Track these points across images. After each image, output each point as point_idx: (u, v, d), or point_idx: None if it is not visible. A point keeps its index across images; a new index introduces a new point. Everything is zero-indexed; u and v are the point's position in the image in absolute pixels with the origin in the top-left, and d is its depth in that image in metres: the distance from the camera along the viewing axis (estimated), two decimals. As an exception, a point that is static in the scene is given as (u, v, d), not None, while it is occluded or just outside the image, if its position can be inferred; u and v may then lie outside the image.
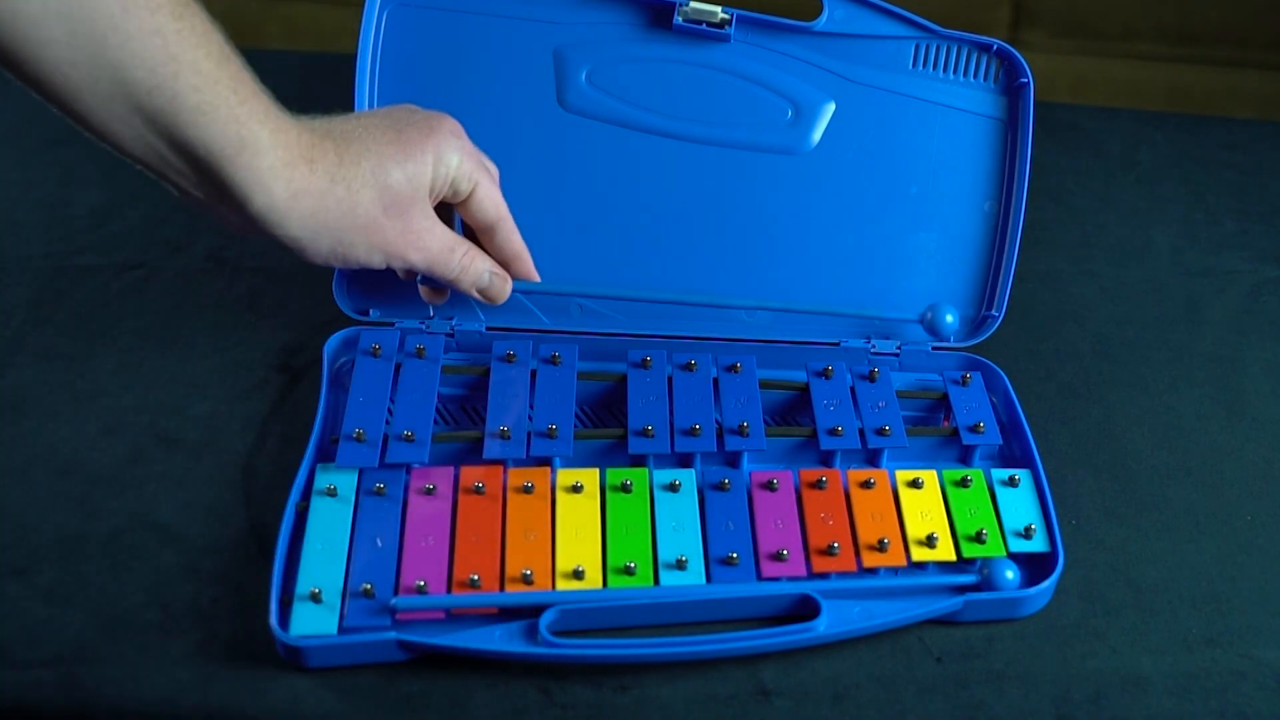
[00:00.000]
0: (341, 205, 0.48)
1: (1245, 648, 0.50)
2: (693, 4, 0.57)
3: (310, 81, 0.89)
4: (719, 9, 0.57)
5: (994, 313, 0.61)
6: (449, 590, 0.49)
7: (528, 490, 0.52)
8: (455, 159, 0.52)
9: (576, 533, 0.51)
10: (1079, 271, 0.73)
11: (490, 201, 0.55)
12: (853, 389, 0.58)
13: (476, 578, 0.49)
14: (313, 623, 0.47)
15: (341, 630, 0.47)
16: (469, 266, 0.54)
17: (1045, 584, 0.50)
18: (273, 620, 0.46)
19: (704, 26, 0.58)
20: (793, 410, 0.60)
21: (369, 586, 0.48)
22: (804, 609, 0.50)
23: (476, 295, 0.56)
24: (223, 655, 0.48)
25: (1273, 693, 0.49)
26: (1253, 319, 0.69)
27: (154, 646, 0.48)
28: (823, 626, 0.48)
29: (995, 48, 0.59)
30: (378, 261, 0.51)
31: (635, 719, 0.47)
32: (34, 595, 0.50)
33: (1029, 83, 0.59)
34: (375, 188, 0.49)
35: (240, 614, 0.49)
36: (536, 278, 0.58)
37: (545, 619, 0.47)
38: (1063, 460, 0.57)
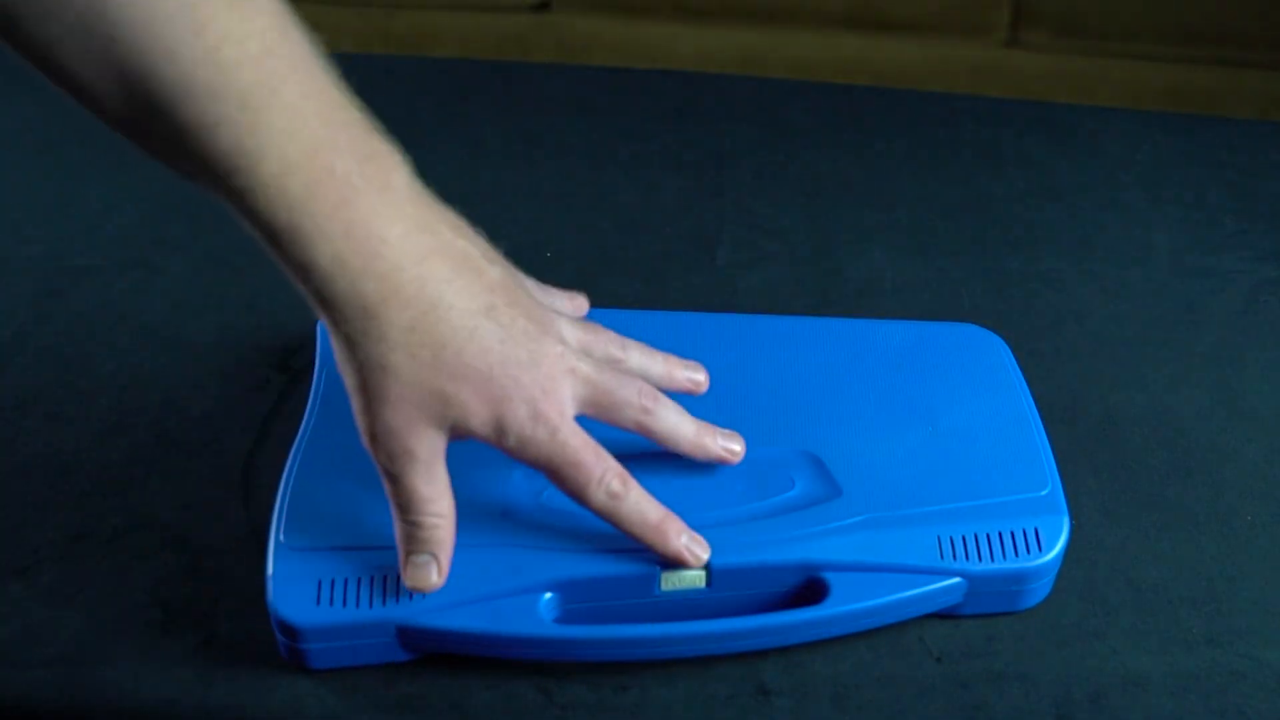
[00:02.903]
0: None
1: (1245, 648, 0.50)
2: (666, 576, 0.48)
3: (310, 81, 0.89)
4: (702, 575, 0.47)
5: None
6: None
7: None
8: (515, 448, 0.43)
9: None
10: (1079, 271, 0.73)
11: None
12: None
13: None
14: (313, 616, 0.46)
15: (344, 621, 0.46)
16: (420, 523, 0.44)
17: (1055, 551, 0.50)
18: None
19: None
20: None
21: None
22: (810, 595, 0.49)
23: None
24: (223, 655, 0.48)
25: (1273, 693, 0.49)
26: (1253, 319, 0.69)
27: (154, 646, 0.48)
28: (834, 604, 0.48)
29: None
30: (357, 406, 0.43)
31: (635, 719, 0.47)
32: (34, 595, 0.50)
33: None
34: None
35: (240, 614, 0.49)
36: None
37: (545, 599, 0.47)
38: (1063, 460, 0.57)
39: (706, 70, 0.95)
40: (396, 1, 1.75)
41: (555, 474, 0.44)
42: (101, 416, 0.58)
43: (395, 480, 0.43)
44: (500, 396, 0.42)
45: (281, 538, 0.48)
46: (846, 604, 0.48)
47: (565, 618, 0.47)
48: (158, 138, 0.36)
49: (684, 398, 0.53)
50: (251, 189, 0.37)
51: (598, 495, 0.45)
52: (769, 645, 0.49)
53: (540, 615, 0.46)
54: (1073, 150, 0.85)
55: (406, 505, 0.44)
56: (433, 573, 0.45)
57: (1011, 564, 0.49)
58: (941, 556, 0.49)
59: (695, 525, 0.48)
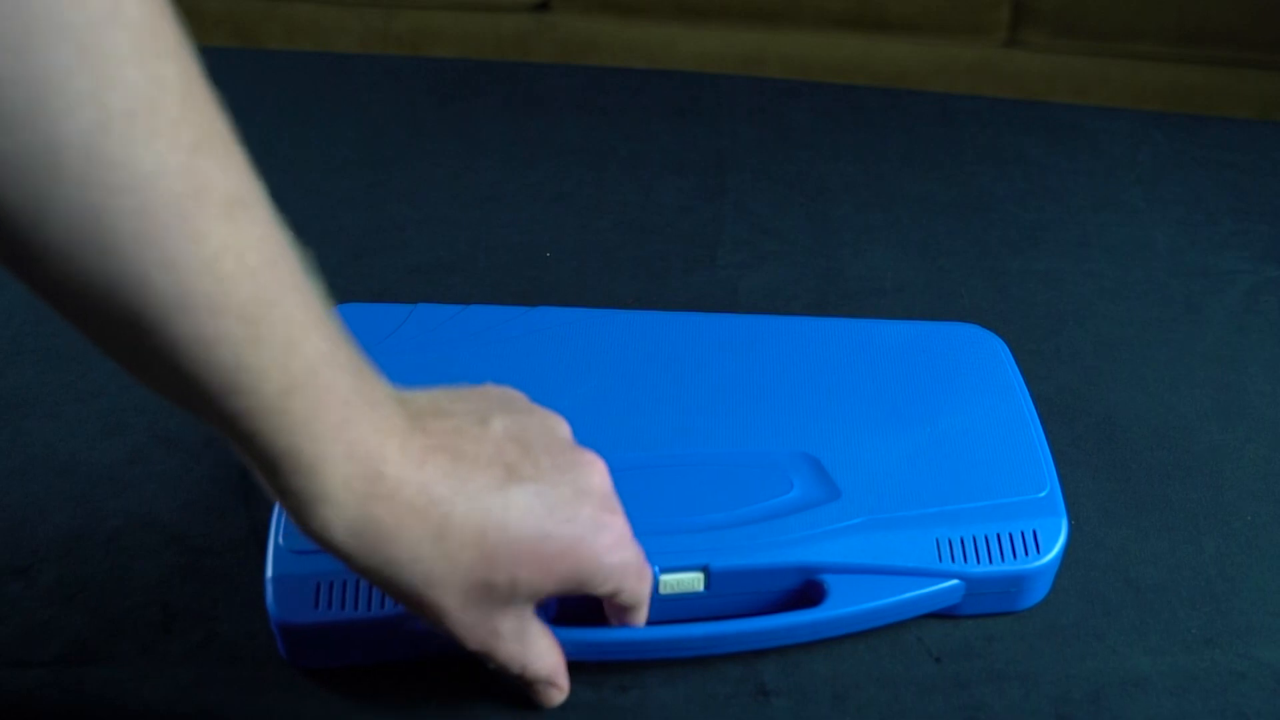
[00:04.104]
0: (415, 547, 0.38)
1: (1245, 648, 0.50)
2: (664, 580, 0.48)
3: (310, 81, 0.89)
4: (701, 578, 0.48)
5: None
6: None
7: None
8: (604, 583, 0.41)
9: None
10: (1079, 271, 0.73)
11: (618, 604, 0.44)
12: None
13: None
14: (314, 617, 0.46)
15: (343, 623, 0.47)
16: (529, 675, 0.44)
17: (1053, 553, 0.50)
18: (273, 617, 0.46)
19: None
20: None
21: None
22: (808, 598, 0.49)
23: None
24: (223, 655, 0.48)
25: (1272, 693, 0.49)
26: (1253, 319, 0.69)
27: (154, 646, 0.48)
28: (832, 607, 0.48)
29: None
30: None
31: (635, 719, 0.47)
32: (34, 595, 0.50)
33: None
34: (474, 572, 0.38)
35: (240, 614, 0.49)
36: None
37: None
38: (1063, 460, 0.57)
39: (706, 70, 0.95)
40: (396, 1, 1.75)
41: (633, 590, 0.43)
42: (101, 416, 0.59)
43: (489, 659, 0.42)
44: (564, 549, 0.39)
45: (280, 540, 0.48)
46: (844, 606, 0.48)
47: (563, 619, 0.47)
48: (146, 356, 0.32)
49: (682, 399, 0.54)
50: (250, 410, 0.33)
51: (645, 592, 0.44)
52: (767, 646, 0.49)
53: (539, 616, 0.46)
54: (1073, 150, 0.85)
55: (508, 670, 0.43)
56: (555, 694, 0.46)
57: (1010, 566, 0.49)
58: (940, 559, 0.49)
59: (693, 527, 0.48)
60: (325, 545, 0.37)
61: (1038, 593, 0.51)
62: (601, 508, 0.41)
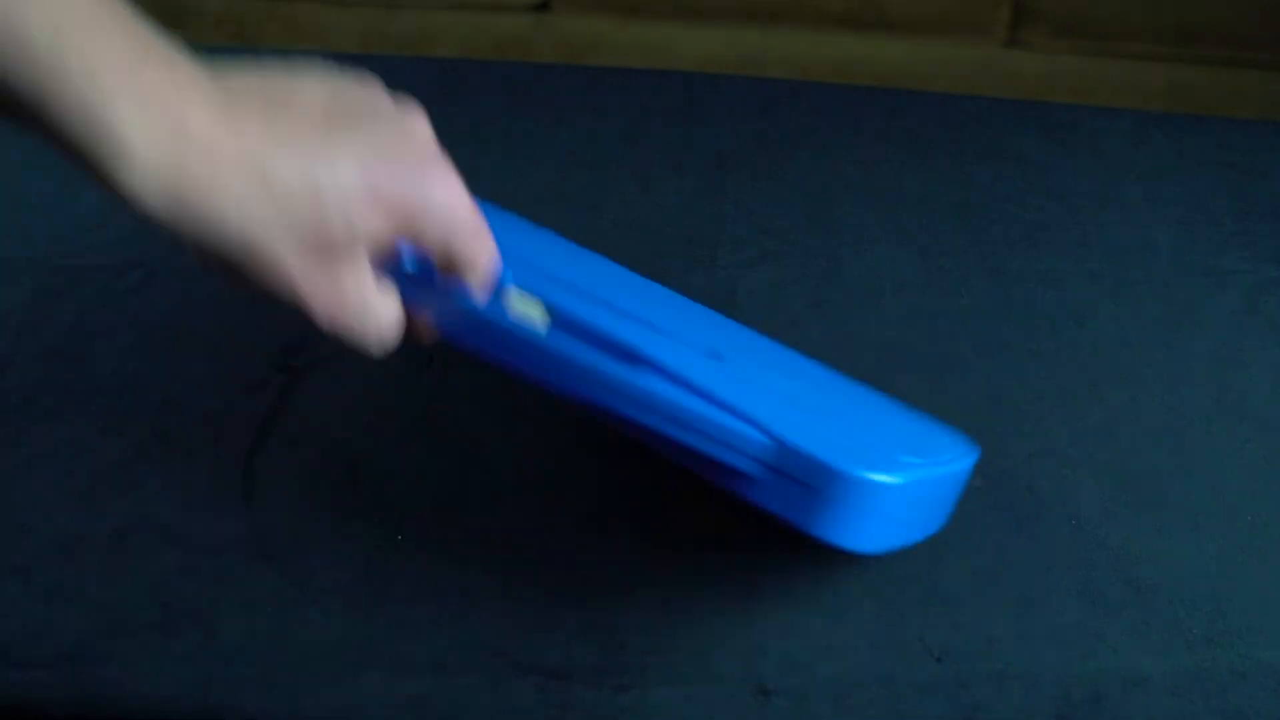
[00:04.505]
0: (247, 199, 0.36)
1: (1245, 648, 0.50)
2: (513, 294, 0.46)
3: (310, 81, 0.89)
4: (542, 310, 0.46)
5: None
6: None
7: None
8: (436, 223, 0.40)
9: None
10: (1079, 271, 0.73)
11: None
12: None
13: None
14: None
15: None
16: (378, 337, 0.42)
17: (880, 476, 0.43)
18: None
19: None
20: None
21: None
22: None
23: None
24: (223, 655, 0.48)
25: (1273, 693, 0.49)
26: (1253, 319, 0.69)
27: (154, 646, 0.48)
28: (636, 377, 0.44)
29: None
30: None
31: (635, 719, 0.47)
32: (34, 595, 0.50)
33: None
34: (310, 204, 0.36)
35: (240, 614, 0.49)
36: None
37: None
38: (1063, 460, 0.57)
39: (706, 70, 0.95)
40: (396, 1, 1.75)
41: (466, 245, 0.41)
42: (101, 416, 0.59)
43: (336, 326, 0.40)
44: (398, 189, 0.38)
45: None
46: (645, 383, 0.43)
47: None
48: None
49: (634, 295, 0.53)
50: (36, 77, 0.32)
51: (478, 252, 0.42)
52: (579, 394, 0.45)
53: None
54: (1073, 150, 0.85)
55: (359, 337, 0.41)
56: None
57: (819, 450, 0.42)
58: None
59: (560, 279, 0.47)
60: (145, 213, 0.35)
61: (860, 523, 0.43)
62: (429, 149, 0.40)
